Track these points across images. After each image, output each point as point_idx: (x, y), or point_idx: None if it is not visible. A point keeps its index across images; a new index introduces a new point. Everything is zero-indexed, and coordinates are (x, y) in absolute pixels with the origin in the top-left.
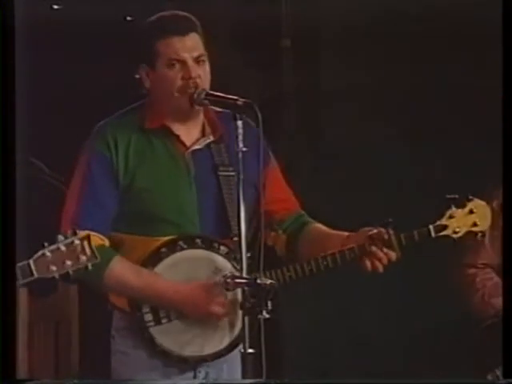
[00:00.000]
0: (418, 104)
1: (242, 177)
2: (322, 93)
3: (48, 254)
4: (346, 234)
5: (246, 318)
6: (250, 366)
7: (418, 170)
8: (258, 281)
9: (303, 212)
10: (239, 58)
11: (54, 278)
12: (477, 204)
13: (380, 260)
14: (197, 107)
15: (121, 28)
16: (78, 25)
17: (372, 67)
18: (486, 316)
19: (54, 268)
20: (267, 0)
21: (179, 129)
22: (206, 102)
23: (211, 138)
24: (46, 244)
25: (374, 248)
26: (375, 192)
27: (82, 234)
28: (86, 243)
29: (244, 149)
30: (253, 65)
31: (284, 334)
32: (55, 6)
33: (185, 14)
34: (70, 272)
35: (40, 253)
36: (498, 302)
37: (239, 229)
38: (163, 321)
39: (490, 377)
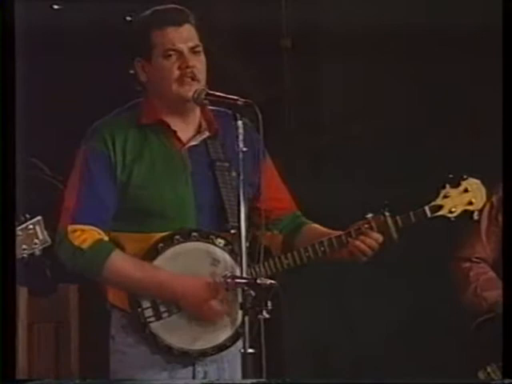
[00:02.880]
0: (418, 104)
1: (242, 177)
2: (321, 93)
3: None
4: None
5: (246, 318)
6: (250, 366)
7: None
8: (258, 281)
9: (299, 212)
10: (239, 58)
11: (50, 277)
12: (471, 182)
13: (376, 240)
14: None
15: (121, 28)
16: (78, 25)
17: (372, 67)
18: (478, 310)
19: None
20: (267, 0)
21: (176, 125)
22: (206, 101)
23: (207, 134)
24: None
25: (370, 231)
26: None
27: (35, 219)
28: (38, 228)
29: (244, 149)
30: (253, 65)
31: (284, 333)
32: (55, 6)
33: (178, 6)
34: (24, 256)
35: None
36: (491, 295)
37: (239, 228)
38: (163, 315)
39: (481, 374)
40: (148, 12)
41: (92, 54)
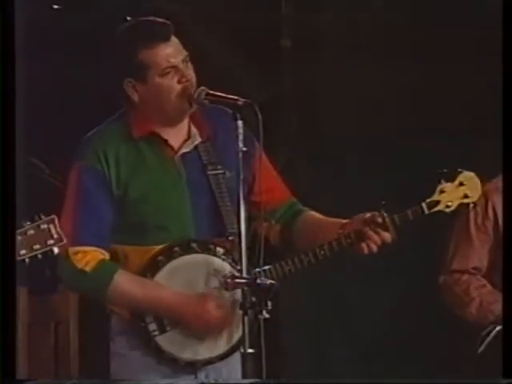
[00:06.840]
0: (418, 104)
1: (242, 177)
2: (322, 93)
3: (18, 237)
4: (342, 221)
5: (246, 318)
6: (250, 366)
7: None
8: (258, 281)
9: (295, 200)
10: (239, 58)
11: (50, 277)
12: (466, 176)
13: (375, 242)
14: (195, 107)
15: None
16: (77, 25)
17: (372, 67)
18: (485, 323)
19: (23, 251)
20: (267, 0)
21: (167, 133)
22: (206, 101)
23: (199, 140)
24: None
25: (368, 231)
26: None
27: (48, 217)
28: (52, 226)
29: (244, 149)
30: (253, 65)
31: (284, 334)
32: (55, 6)
33: (158, 19)
34: (39, 256)
35: None
36: (497, 308)
37: (239, 229)
38: (167, 328)
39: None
40: (128, 29)
41: (92, 54)
